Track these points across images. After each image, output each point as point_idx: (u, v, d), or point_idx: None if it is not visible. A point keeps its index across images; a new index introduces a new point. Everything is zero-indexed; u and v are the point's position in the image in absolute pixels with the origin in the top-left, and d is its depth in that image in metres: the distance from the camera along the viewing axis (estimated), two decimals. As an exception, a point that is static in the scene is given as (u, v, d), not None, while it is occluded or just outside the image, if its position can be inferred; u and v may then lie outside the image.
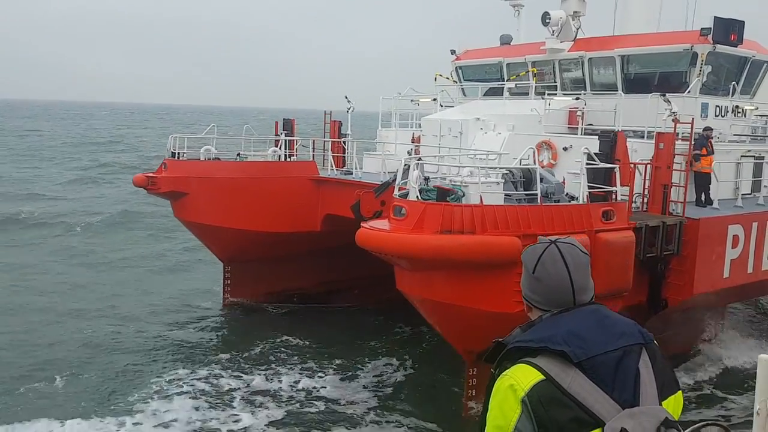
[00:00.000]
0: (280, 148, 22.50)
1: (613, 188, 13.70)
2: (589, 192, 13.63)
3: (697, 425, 3.66)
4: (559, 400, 2.35)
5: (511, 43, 25.27)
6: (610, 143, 14.24)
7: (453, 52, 26.09)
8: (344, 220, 20.44)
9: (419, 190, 12.57)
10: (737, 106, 19.83)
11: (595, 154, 13.86)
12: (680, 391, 2.62)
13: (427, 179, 13.72)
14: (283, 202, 20.92)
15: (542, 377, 2.38)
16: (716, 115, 19.32)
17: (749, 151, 19.28)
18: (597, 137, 16.41)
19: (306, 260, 22.30)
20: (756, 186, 19.19)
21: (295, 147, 23.10)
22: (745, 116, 20.29)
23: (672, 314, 15.68)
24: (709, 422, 3.87)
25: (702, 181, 16.96)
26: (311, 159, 22.60)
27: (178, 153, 20.63)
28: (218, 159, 21.27)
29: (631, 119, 18.23)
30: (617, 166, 13.76)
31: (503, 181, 14.38)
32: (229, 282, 22.36)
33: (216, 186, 20.18)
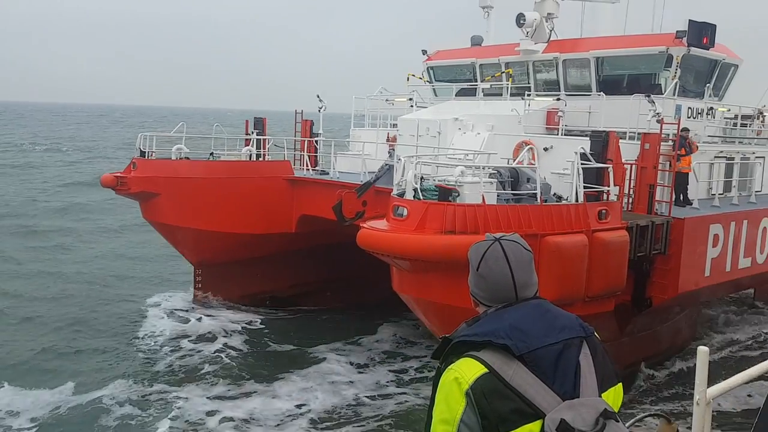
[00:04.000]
0: (252, 147, 21.94)
1: (606, 188, 13.75)
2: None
3: (640, 416, 3.72)
4: (501, 392, 2.38)
5: (482, 44, 25.30)
6: (602, 143, 14.27)
7: (424, 52, 25.96)
8: (320, 220, 20.07)
9: (419, 189, 12.31)
10: (711, 108, 20.29)
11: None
12: (620, 384, 2.67)
13: (421, 179, 13.51)
14: (257, 202, 20.41)
15: (485, 370, 2.41)
16: (689, 117, 19.71)
17: (721, 152, 19.75)
18: (581, 137, 16.51)
19: (279, 262, 21.81)
20: (727, 186, 19.67)
21: (267, 146, 22.58)
22: (715, 118, 20.79)
23: (659, 312, 15.87)
24: (652, 413, 3.94)
25: (682, 181, 17.25)
26: (284, 158, 22.11)
27: (148, 152, 19.83)
28: (188, 158, 20.57)
29: (608, 120, 18.45)
30: (610, 165, 13.81)
31: (495, 180, 14.30)
32: (200, 285, 21.65)
33: (188, 186, 19.50)
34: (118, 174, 19.25)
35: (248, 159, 21.38)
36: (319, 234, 21.09)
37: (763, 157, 21.20)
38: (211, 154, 20.89)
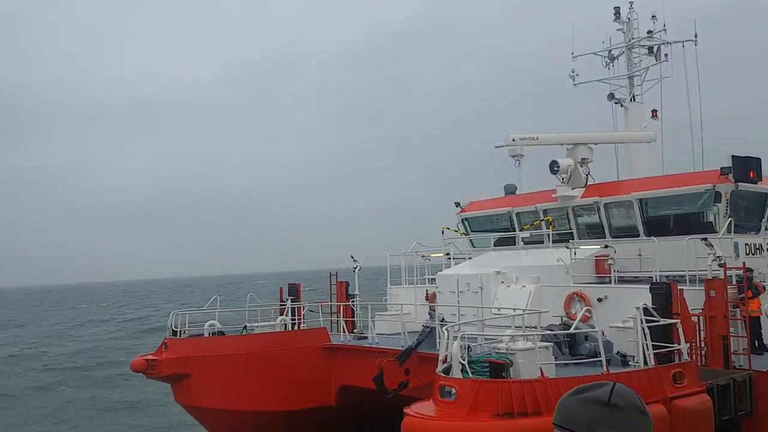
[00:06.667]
0: (286, 316, 21.08)
1: (678, 346, 12.28)
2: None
3: None
4: None
5: (517, 192, 24.83)
6: (665, 296, 12.98)
7: (457, 204, 25.58)
8: (362, 391, 18.64)
9: (467, 363, 11.06)
10: (772, 243, 19.00)
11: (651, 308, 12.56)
12: None
13: (468, 348, 12.28)
14: (293, 376, 19.15)
15: None
16: (748, 254, 18.40)
17: (792, 289, 18.14)
18: (639, 286, 15.27)
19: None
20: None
21: (303, 313, 21.70)
22: (775, 252, 19.39)
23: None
24: None
25: (753, 326, 15.62)
26: (321, 325, 21.08)
27: (180, 330, 19.07)
28: (222, 333, 19.72)
29: (661, 264, 17.23)
30: (678, 321, 12.43)
31: (551, 344, 13.00)
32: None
33: (220, 364, 18.47)
34: (149, 357, 18.38)
35: (283, 329, 20.44)
36: (362, 405, 19.55)
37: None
38: (245, 327, 20.01)
